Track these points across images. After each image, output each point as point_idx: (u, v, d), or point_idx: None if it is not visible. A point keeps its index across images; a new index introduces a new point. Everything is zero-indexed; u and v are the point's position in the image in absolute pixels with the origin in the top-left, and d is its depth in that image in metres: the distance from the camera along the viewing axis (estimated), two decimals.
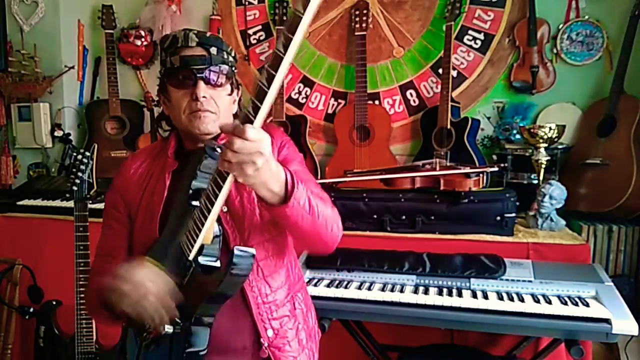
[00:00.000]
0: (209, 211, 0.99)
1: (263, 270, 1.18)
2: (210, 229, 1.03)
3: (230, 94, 1.23)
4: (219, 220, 1.08)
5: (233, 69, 1.23)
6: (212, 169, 1.04)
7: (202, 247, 1.05)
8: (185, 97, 1.17)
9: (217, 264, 1.05)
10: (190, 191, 1.09)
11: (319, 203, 1.09)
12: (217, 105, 1.18)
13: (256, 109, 0.88)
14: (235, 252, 0.98)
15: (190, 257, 1.05)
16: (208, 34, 1.20)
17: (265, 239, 1.18)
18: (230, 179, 0.94)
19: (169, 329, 1.07)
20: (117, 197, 1.27)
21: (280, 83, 0.87)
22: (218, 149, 1.01)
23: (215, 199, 0.97)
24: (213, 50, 1.17)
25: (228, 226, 1.15)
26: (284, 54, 0.84)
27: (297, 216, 1.04)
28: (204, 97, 1.15)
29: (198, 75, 1.15)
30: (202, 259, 1.05)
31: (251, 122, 0.89)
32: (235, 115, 1.28)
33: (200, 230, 1.02)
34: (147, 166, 1.28)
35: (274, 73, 0.85)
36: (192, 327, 1.08)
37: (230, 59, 1.22)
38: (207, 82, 1.16)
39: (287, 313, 1.22)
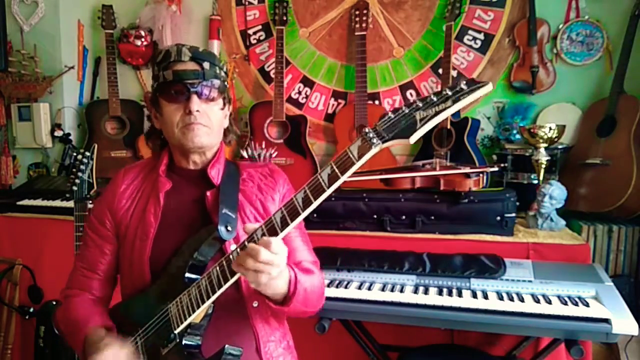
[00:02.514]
0: (209, 297, 1.03)
1: (269, 309, 1.20)
2: (204, 310, 1.06)
3: (222, 109, 1.24)
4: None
5: (225, 83, 1.24)
6: (217, 246, 1.10)
7: (189, 324, 1.07)
8: (178, 111, 1.18)
9: (198, 341, 1.09)
10: (191, 263, 1.10)
11: (314, 288, 1.17)
12: (209, 119, 1.19)
13: (284, 225, 0.94)
14: (226, 350, 1.04)
15: (176, 331, 1.07)
16: (201, 49, 1.21)
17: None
18: (238, 275, 0.99)
19: None
20: (105, 212, 1.26)
21: (311, 209, 0.93)
22: (229, 227, 1.09)
23: (219, 288, 1.02)
24: (206, 65, 1.18)
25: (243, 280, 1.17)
26: (327, 188, 0.91)
27: (292, 311, 1.11)
28: (197, 110, 1.16)
29: (191, 89, 1.16)
30: (186, 339, 1.07)
31: (276, 234, 0.95)
32: (227, 130, 1.30)
33: (194, 311, 1.05)
34: (138, 183, 1.28)
35: (312, 200, 0.92)
36: None
37: (222, 73, 1.23)
38: (200, 96, 1.17)
39: (282, 352, 1.26)
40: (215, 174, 1.23)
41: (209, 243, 1.10)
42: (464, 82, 0.86)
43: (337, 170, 0.90)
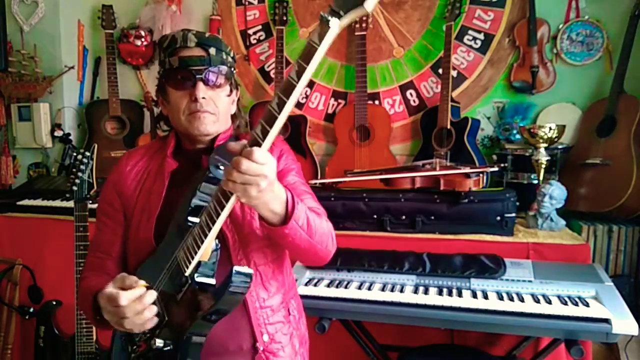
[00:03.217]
0: (209, 229, 0.99)
1: (262, 275, 1.18)
2: (209, 246, 1.03)
3: (229, 95, 1.22)
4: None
5: (232, 69, 1.22)
6: (214, 187, 1.04)
7: (199, 263, 1.04)
8: (184, 98, 1.16)
9: (213, 281, 1.05)
10: (190, 207, 1.09)
11: (316, 220, 1.11)
12: (216, 106, 1.18)
13: (265, 133, 0.90)
14: (234, 270, 0.98)
15: (187, 274, 1.05)
16: (207, 35, 1.19)
17: (264, 245, 1.19)
18: (233, 199, 0.95)
19: (159, 343, 1.07)
20: (112, 194, 1.26)
21: (290, 109, 0.88)
22: (221, 166, 1.02)
23: (217, 217, 0.98)
24: (212, 50, 1.16)
25: (228, 230, 1.15)
26: (297, 82, 0.86)
27: (295, 236, 1.05)
28: (203, 97, 1.15)
29: (197, 76, 1.14)
30: (198, 277, 1.04)
31: (259, 145, 0.90)
32: (233, 116, 1.28)
33: (199, 248, 1.02)
34: (144, 164, 1.27)
35: (285, 99, 0.87)
36: (183, 345, 1.07)
37: (229, 59, 1.21)
38: (206, 83, 1.15)
39: (281, 319, 1.22)
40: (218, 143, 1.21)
41: (205, 185, 1.09)
42: None
43: (302, 63, 0.85)
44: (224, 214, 0.97)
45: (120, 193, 1.25)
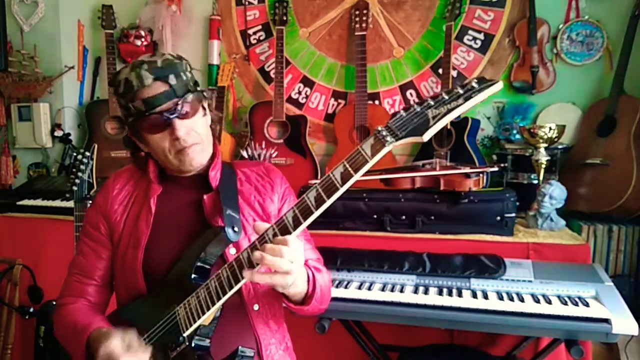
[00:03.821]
0: (219, 299, 1.01)
1: (269, 312, 1.21)
2: (213, 312, 1.04)
3: (204, 115, 1.18)
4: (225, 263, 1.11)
5: (196, 86, 1.16)
6: (224, 246, 1.09)
7: (199, 326, 1.05)
8: (164, 138, 1.11)
9: (207, 343, 1.08)
10: (196, 266, 1.08)
11: (323, 285, 1.15)
12: (198, 133, 1.14)
13: (297, 224, 0.94)
14: (239, 352, 1.06)
15: (185, 334, 1.05)
16: (159, 63, 1.10)
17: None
18: (247, 279, 0.98)
19: None
20: (99, 218, 1.23)
21: (325, 207, 0.92)
22: (236, 228, 1.08)
23: (230, 289, 1.00)
24: (172, 79, 1.09)
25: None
26: (340, 186, 0.90)
27: (311, 309, 1.11)
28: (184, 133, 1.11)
29: (171, 116, 1.08)
30: (196, 340, 1.06)
31: (289, 232, 0.94)
32: (212, 124, 1.23)
33: (203, 313, 1.03)
34: (130, 188, 1.24)
35: (325, 198, 0.91)
36: None
37: (189, 75, 1.14)
38: (180, 117, 1.10)
39: (282, 350, 1.26)
40: (214, 177, 1.20)
41: (215, 245, 1.09)
42: (475, 80, 0.86)
43: (349, 169, 0.89)
44: (238, 286, 1.00)
45: (107, 217, 1.22)
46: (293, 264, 0.95)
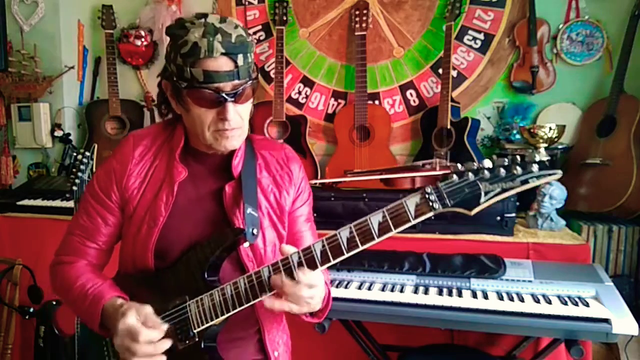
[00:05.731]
0: (235, 308, 1.03)
1: None
2: (227, 317, 1.06)
3: (252, 102, 1.13)
4: (238, 257, 1.13)
5: (256, 72, 1.10)
6: (242, 248, 1.11)
7: (210, 326, 1.07)
8: (209, 114, 1.06)
9: (215, 342, 1.09)
10: (211, 261, 1.09)
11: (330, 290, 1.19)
12: (242, 119, 1.10)
13: (325, 260, 0.96)
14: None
15: (196, 330, 1.06)
16: (233, 38, 1.02)
17: None
18: (270, 293, 1.01)
19: None
20: (111, 186, 1.16)
21: (355, 252, 0.95)
22: (255, 230, 1.10)
23: (247, 302, 1.02)
24: (239, 59, 1.02)
25: (249, 260, 1.14)
26: (377, 237, 0.92)
27: (317, 319, 1.14)
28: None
29: (228, 97, 1.03)
30: (206, 341, 1.07)
31: (315, 266, 0.97)
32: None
33: (217, 317, 1.05)
34: (151, 156, 1.17)
35: (359, 244, 0.93)
36: None
37: (252, 60, 1.08)
38: (236, 101, 1.05)
39: (284, 338, 1.28)
40: (237, 165, 1.16)
41: (232, 243, 1.08)
42: (535, 163, 0.85)
43: (390, 222, 0.91)
44: (257, 300, 1.02)
45: (122, 189, 1.15)
46: (313, 299, 0.99)
